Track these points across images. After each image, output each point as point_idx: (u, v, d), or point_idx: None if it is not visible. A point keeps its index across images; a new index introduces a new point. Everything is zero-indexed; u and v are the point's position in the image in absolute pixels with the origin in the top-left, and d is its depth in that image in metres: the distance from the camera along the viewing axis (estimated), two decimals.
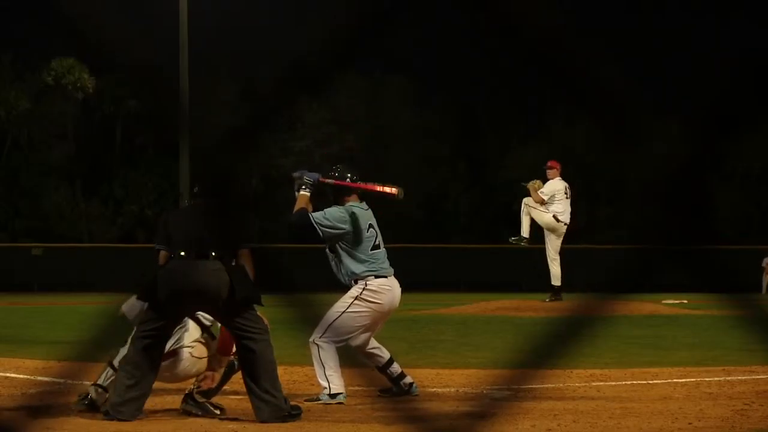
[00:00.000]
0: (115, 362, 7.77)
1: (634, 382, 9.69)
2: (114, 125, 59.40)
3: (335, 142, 57.65)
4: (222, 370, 7.87)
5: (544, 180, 18.45)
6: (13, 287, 37.18)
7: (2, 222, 55.37)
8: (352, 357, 8.56)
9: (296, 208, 8.55)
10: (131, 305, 7.86)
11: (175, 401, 7.92)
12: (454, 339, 14.89)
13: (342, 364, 8.32)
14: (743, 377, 9.96)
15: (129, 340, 7.71)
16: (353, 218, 8.52)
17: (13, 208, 55.80)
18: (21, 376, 10.13)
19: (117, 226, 57.03)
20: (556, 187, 18.26)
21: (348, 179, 8.66)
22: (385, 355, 8.74)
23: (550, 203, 18.21)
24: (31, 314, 23.06)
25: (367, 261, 8.53)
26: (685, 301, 24.14)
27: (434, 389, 9.16)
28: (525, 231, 18.26)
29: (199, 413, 7.62)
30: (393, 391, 8.69)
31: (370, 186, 8.76)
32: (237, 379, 7.90)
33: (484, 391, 8.93)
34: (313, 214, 8.47)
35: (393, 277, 8.67)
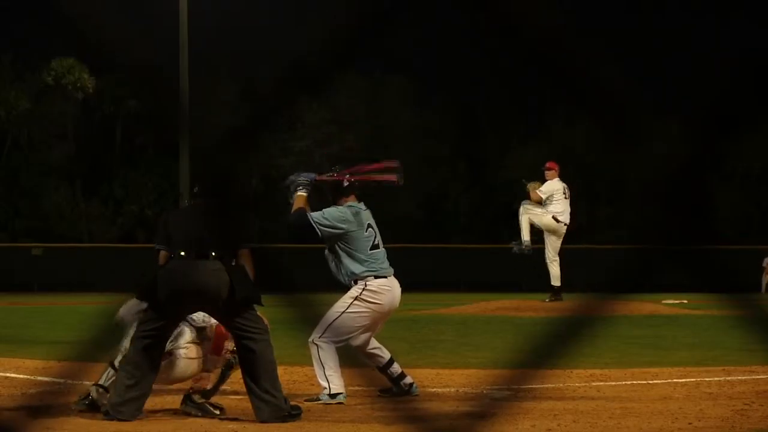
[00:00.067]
0: (116, 362, 7.77)
1: (634, 382, 9.69)
2: (114, 125, 59.40)
3: (335, 142, 57.65)
4: (217, 370, 7.87)
5: (543, 181, 18.47)
6: (13, 287, 37.18)
7: (2, 222, 55.37)
8: (352, 357, 8.56)
9: (294, 208, 8.55)
10: (128, 308, 7.87)
11: (175, 401, 7.92)
12: (454, 339, 14.89)
13: (342, 364, 8.32)
14: (743, 377, 9.95)
15: (124, 339, 7.73)
16: (352, 218, 8.52)
17: (13, 208, 55.81)
18: (21, 376, 10.13)
19: (117, 226, 57.03)
20: (554, 187, 18.28)
21: (347, 181, 8.65)
22: (386, 355, 8.74)
23: (548, 203, 18.22)
24: (31, 314, 23.06)
25: (367, 261, 8.53)
26: (685, 301, 24.15)
27: (434, 389, 9.16)
28: (525, 236, 18.26)
29: (199, 414, 7.62)
30: (393, 391, 8.69)
31: (367, 177, 8.76)
32: (237, 379, 7.90)
33: (484, 391, 8.93)
34: (311, 214, 8.47)
35: (393, 277, 8.66)
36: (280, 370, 7.70)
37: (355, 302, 8.46)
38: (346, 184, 8.63)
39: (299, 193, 8.56)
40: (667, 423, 7.26)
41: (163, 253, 7.60)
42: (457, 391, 9.14)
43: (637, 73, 60.17)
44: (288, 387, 8.26)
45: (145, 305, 7.65)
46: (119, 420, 7.34)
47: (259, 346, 7.44)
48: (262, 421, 7.31)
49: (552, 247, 18.54)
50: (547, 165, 18.76)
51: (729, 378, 9.90)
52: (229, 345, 7.89)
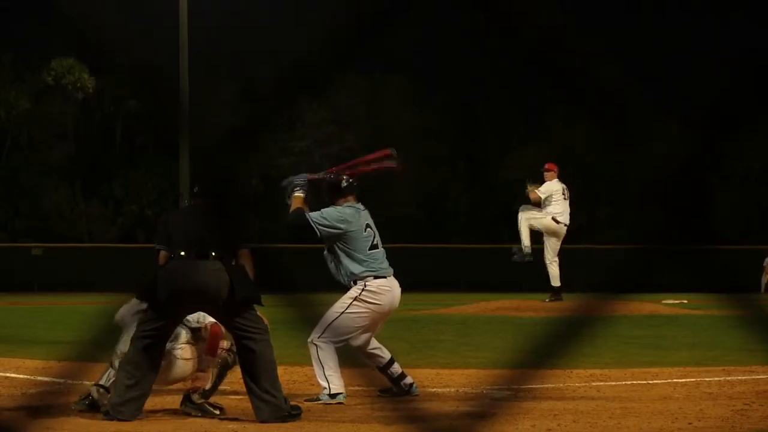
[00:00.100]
0: (116, 363, 7.77)
1: (634, 382, 9.69)
2: (114, 125, 59.41)
3: (335, 142, 57.64)
4: (212, 370, 7.85)
5: (543, 182, 18.50)
6: (13, 287, 37.18)
7: (2, 222, 55.37)
8: (352, 357, 8.56)
9: (292, 209, 8.55)
10: (128, 309, 7.88)
11: (175, 401, 7.92)
12: (454, 339, 14.89)
13: (342, 364, 8.32)
14: (743, 377, 9.95)
15: (120, 341, 7.74)
16: (350, 218, 8.52)
17: (13, 208, 55.80)
18: (21, 376, 10.13)
19: (117, 226, 57.03)
20: (553, 187, 18.32)
21: (344, 180, 8.65)
22: (386, 355, 8.74)
23: (547, 204, 18.25)
24: (31, 314, 23.06)
25: (366, 261, 8.52)
26: (685, 301, 24.14)
27: (434, 389, 9.16)
28: (525, 242, 18.27)
29: (199, 414, 7.62)
30: (393, 391, 8.69)
31: (364, 169, 8.77)
32: (237, 379, 7.90)
33: (484, 391, 8.93)
34: (310, 214, 8.47)
35: (392, 277, 8.66)
36: (280, 370, 7.70)
37: (355, 302, 8.46)
38: (344, 184, 8.64)
39: (296, 194, 8.57)
40: (667, 423, 7.26)
41: (163, 253, 7.60)
42: (457, 391, 9.14)
43: (637, 73, 60.19)
44: (288, 387, 8.26)
45: (144, 306, 7.65)
46: (119, 420, 7.34)
47: (259, 346, 7.44)
48: (262, 421, 7.31)
49: (551, 248, 18.56)
50: (546, 166, 18.80)
51: (729, 378, 9.89)
52: (225, 344, 7.89)
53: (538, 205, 18.28)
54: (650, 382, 9.67)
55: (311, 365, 8.43)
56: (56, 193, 56.46)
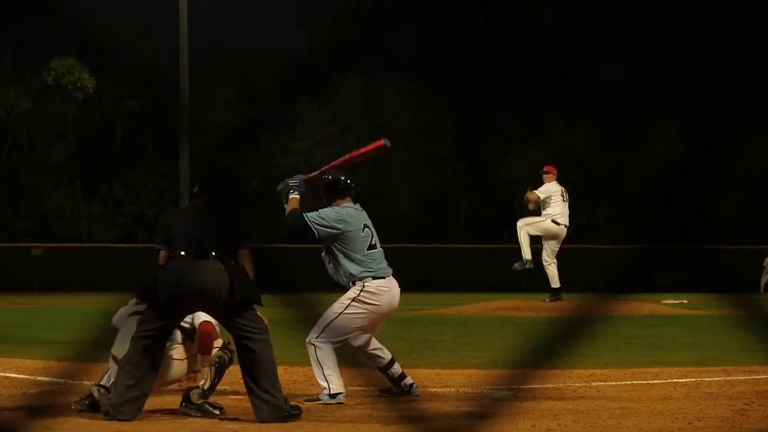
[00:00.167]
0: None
1: (634, 382, 9.69)
2: (114, 125, 59.41)
3: (335, 142, 57.60)
4: (209, 369, 7.84)
5: (541, 184, 18.58)
6: (13, 287, 37.18)
7: (2, 222, 55.37)
8: (352, 357, 8.56)
9: (288, 210, 8.56)
10: (121, 313, 7.90)
11: (175, 401, 7.92)
12: (454, 339, 14.88)
13: (342, 364, 8.32)
14: (743, 377, 9.95)
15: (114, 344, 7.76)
16: (348, 218, 8.52)
17: (13, 208, 55.81)
18: (21, 376, 10.13)
19: (117, 226, 57.04)
20: (552, 189, 18.38)
21: (341, 182, 8.67)
22: (387, 356, 8.74)
23: (546, 206, 18.28)
24: (31, 314, 23.06)
25: (364, 261, 8.53)
26: (685, 301, 24.14)
27: (434, 389, 9.16)
28: (526, 253, 18.31)
29: (198, 414, 7.62)
30: (393, 391, 8.70)
31: (354, 155, 8.79)
32: (237, 379, 7.90)
33: (484, 391, 8.93)
34: (307, 214, 8.48)
35: (391, 277, 8.66)
36: (280, 370, 7.69)
37: (353, 303, 8.46)
38: (342, 185, 8.66)
39: (292, 195, 8.57)
40: (667, 423, 7.26)
41: (163, 253, 7.60)
42: (457, 391, 9.14)
43: (637, 73, 60.18)
44: (288, 387, 8.26)
45: (139, 307, 7.66)
46: (119, 420, 7.34)
47: (259, 346, 7.44)
48: (262, 421, 7.31)
49: (550, 250, 18.60)
50: (545, 168, 18.88)
51: (729, 378, 9.89)
52: (219, 342, 7.91)
53: (537, 212, 18.33)
54: (650, 382, 9.67)
55: (311, 365, 8.43)
56: (56, 193, 56.46)
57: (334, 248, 8.55)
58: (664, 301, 22.83)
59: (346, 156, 8.85)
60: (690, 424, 7.24)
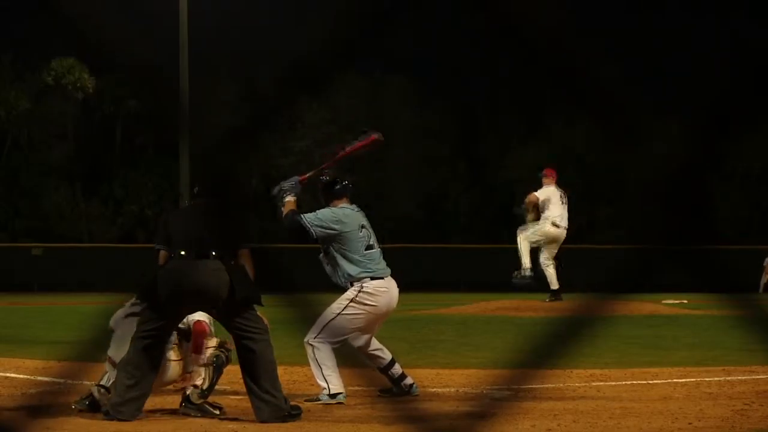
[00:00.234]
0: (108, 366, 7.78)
1: (634, 382, 9.69)
2: (114, 125, 59.41)
3: (335, 142, 57.58)
4: (207, 369, 7.83)
5: (540, 187, 18.61)
6: (13, 287, 37.17)
7: (2, 222, 55.36)
8: (352, 357, 8.56)
9: (284, 213, 8.56)
10: (117, 315, 7.90)
11: (175, 401, 7.92)
12: (454, 339, 14.88)
13: (342, 364, 8.32)
14: (743, 377, 9.95)
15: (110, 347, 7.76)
16: (345, 219, 8.52)
17: (13, 208, 55.80)
18: (21, 376, 10.13)
19: (117, 226, 57.04)
20: (551, 191, 18.40)
21: (338, 183, 8.67)
22: (387, 356, 8.75)
23: (545, 208, 18.31)
24: (31, 314, 23.06)
25: (362, 262, 8.53)
26: (685, 301, 24.14)
27: (434, 389, 9.16)
28: (526, 262, 18.32)
29: (198, 414, 7.62)
30: (393, 392, 8.70)
31: (348, 151, 8.79)
32: (237, 379, 7.90)
33: (484, 391, 8.93)
34: (304, 215, 8.49)
35: (390, 277, 8.65)
36: (280, 370, 7.70)
37: (351, 304, 8.46)
38: (338, 186, 8.67)
39: (287, 198, 8.58)
40: (667, 423, 7.26)
41: (163, 253, 7.61)
42: (457, 391, 9.14)
43: (637, 73, 60.16)
44: (288, 387, 8.26)
45: (134, 308, 7.67)
46: (119, 420, 7.34)
47: (259, 346, 7.44)
48: (262, 421, 7.31)
49: (549, 252, 18.62)
50: (545, 171, 18.91)
51: (729, 378, 9.89)
52: (214, 341, 7.91)
53: (536, 219, 18.36)
54: (650, 382, 9.67)
55: (309, 366, 8.43)
56: (56, 193, 56.45)
57: (331, 249, 8.56)
58: (664, 301, 22.82)
59: (340, 153, 8.85)
60: (690, 424, 7.24)
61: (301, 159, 54.00)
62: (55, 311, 24.74)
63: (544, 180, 18.62)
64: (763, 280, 39.34)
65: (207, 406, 7.68)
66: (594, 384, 9.51)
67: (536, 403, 8.08)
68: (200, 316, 7.82)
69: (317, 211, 8.55)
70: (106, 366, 7.81)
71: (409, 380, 8.75)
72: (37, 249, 45.20)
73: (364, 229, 8.60)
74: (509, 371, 8.72)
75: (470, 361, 11.60)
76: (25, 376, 10.07)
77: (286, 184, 8.62)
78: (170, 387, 8.06)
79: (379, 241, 8.75)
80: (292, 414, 7.40)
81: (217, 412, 7.66)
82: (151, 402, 7.70)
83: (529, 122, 60.99)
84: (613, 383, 9.62)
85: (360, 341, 8.60)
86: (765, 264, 39.98)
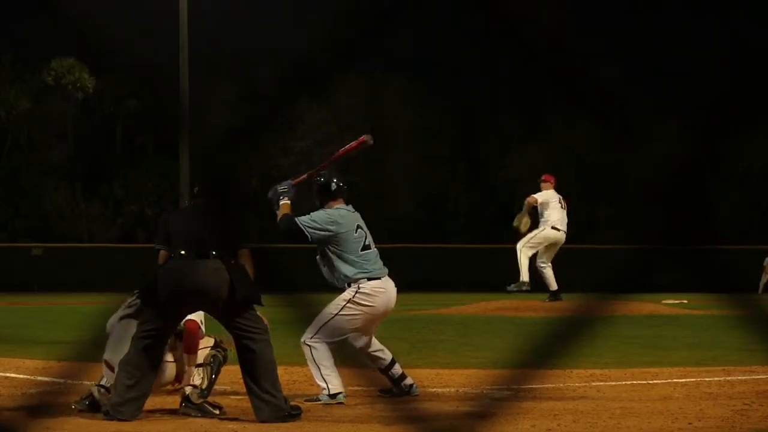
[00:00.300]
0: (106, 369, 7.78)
1: (634, 382, 9.69)
2: (114, 125, 59.43)
3: (335, 142, 57.59)
4: (205, 368, 7.83)
5: (538, 191, 18.69)
6: (13, 287, 37.19)
7: (2, 222, 55.38)
8: (352, 357, 8.56)
9: (280, 216, 8.57)
10: (113, 320, 7.90)
11: (175, 401, 7.92)
12: (454, 339, 14.88)
13: (342, 364, 8.32)
14: (743, 377, 9.95)
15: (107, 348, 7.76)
16: (340, 220, 8.53)
17: (13, 208, 55.81)
18: (21, 376, 10.13)
19: (117, 226, 57.05)
20: (549, 195, 18.48)
21: (334, 184, 8.68)
22: (388, 357, 8.75)
23: (544, 211, 18.37)
24: (31, 314, 23.06)
25: (358, 262, 8.53)
26: (685, 301, 24.14)
27: (434, 389, 9.16)
28: (524, 276, 18.37)
29: (198, 414, 7.62)
30: (393, 392, 8.70)
31: (339, 154, 8.82)
32: (237, 379, 7.90)
33: (484, 391, 8.93)
34: (299, 218, 8.50)
35: (387, 277, 8.65)
36: (280, 370, 7.69)
37: (348, 305, 8.46)
38: (333, 187, 8.68)
39: (282, 201, 8.59)
40: (667, 423, 7.26)
41: (163, 253, 7.61)
42: (457, 391, 9.14)
43: (637, 73, 60.17)
44: (288, 387, 8.26)
45: (129, 310, 7.67)
46: (119, 420, 7.34)
47: (259, 346, 7.44)
48: (262, 421, 7.31)
49: (547, 255, 18.66)
50: (543, 177, 19.05)
51: (729, 378, 9.89)
52: (210, 341, 7.91)
53: (530, 224, 18.43)
54: (650, 382, 9.67)
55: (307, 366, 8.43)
56: (56, 193, 56.47)
57: (328, 251, 8.56)
58: (664, 301, 22.83)
59: (333, 156, 8.88)
60: (690, 424, 7.24)
61: (301, 159, 54.02)
62: (55, 311, 24.74)
63: (543, 185, 18.76)
64: (763, 280, 39.33)
65: (207, 405, 7.68)
66: (594, 384, 9.51)
67: (536, 403, 8.08)
68: (191, 315, 7.82)
69: (312, 213, 8.57)
70: (103, 369, 7.80)
71: (409, 380, 8.75)
72: (37, 249, 45.21)
73: (360, 230, 8.60)
74: (509, 371, 8.72)
75: (470, 361, 11.60)
76: (25, 376, 10.07)
77: (281, 188, 8.63)
78: (165, 388, 8.06)
79: (380, 241, 8.75)
80: (292, 414, 7.40)
81: (217, 412, 7.66)
82: (151, 402, 7.70)
83: (529, 122, 61.01)
84: (613, 383, 9.62)
85: (361, 342, 8.60)
86: (765, 264, 39.97)
